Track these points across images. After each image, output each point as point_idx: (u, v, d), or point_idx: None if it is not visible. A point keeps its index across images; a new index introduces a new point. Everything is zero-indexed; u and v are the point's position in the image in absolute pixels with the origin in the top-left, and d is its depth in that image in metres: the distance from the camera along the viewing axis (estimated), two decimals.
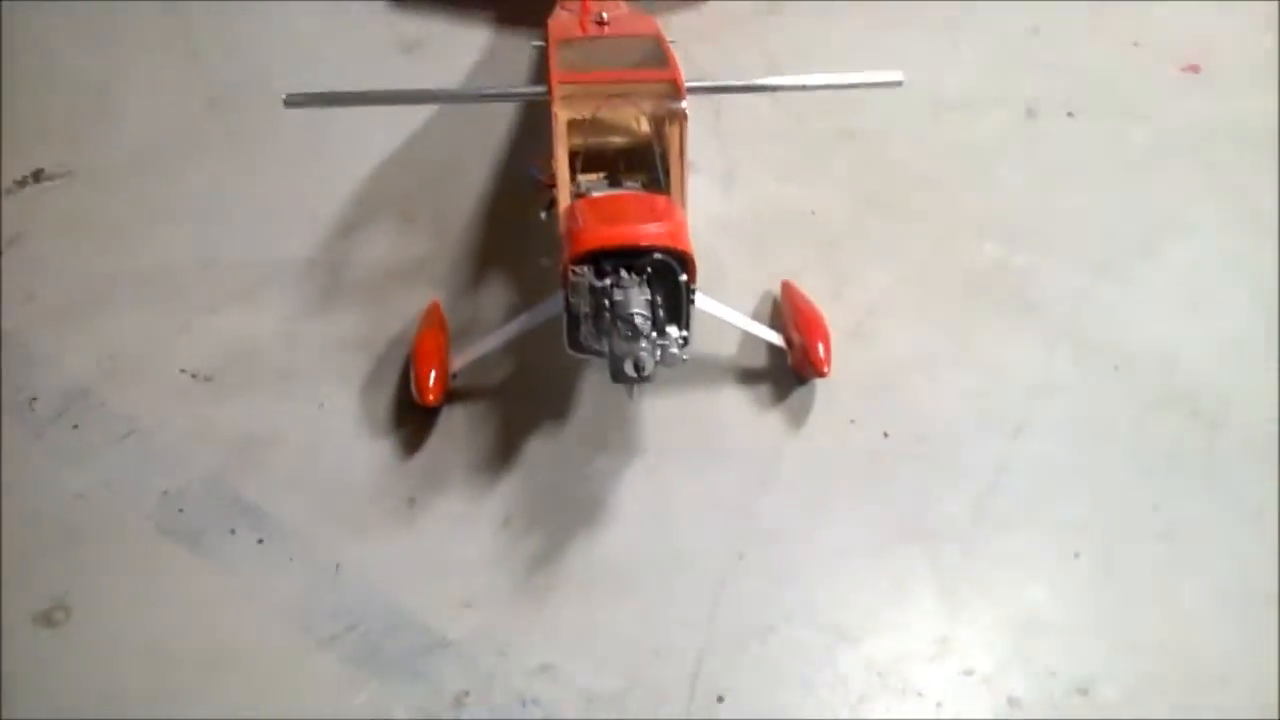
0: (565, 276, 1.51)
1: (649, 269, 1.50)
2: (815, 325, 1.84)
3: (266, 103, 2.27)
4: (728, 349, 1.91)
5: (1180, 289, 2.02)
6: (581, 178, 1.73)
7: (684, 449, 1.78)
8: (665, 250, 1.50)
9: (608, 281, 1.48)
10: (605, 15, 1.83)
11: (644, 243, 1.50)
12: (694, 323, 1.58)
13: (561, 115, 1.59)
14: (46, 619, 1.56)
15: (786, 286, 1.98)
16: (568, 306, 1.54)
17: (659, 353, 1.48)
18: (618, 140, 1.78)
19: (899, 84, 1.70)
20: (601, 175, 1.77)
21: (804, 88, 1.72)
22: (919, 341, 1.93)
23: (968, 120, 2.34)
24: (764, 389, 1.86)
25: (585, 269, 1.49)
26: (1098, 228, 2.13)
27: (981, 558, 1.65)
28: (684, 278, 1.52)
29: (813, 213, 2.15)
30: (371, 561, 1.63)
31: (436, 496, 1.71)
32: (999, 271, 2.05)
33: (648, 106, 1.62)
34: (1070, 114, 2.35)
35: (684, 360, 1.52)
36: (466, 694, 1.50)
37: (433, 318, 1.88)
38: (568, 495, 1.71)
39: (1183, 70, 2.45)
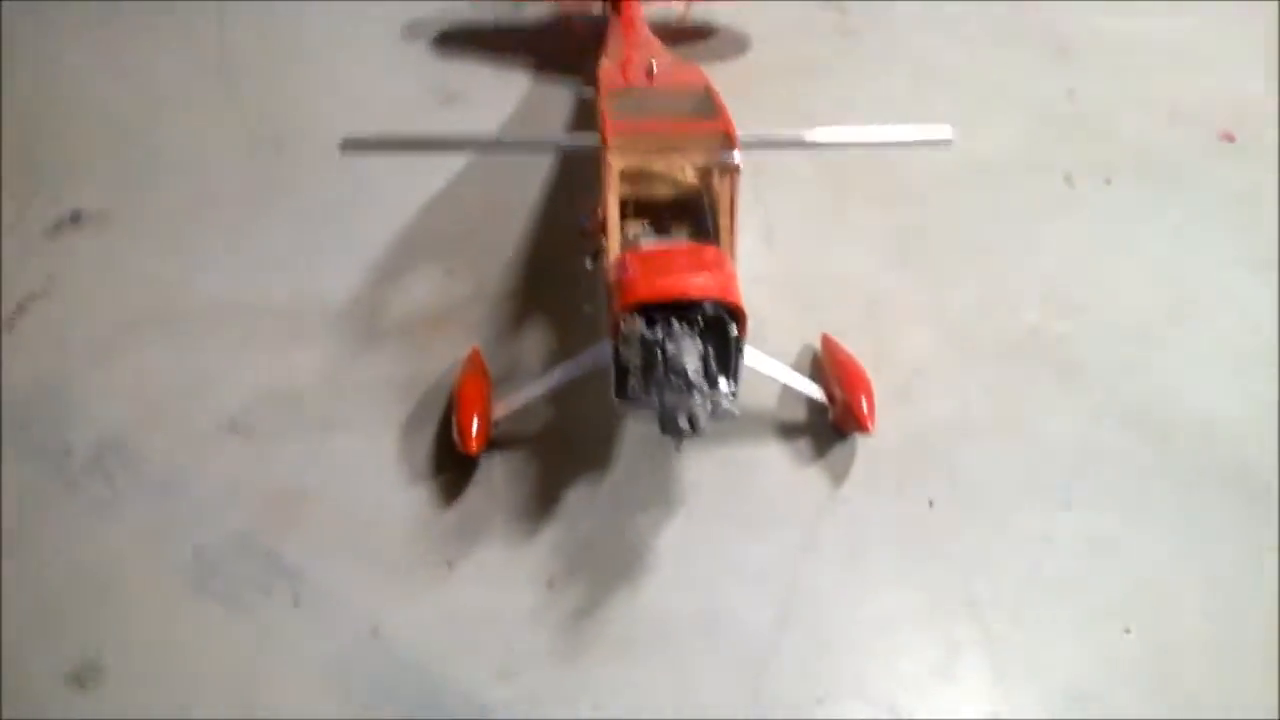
0: (615, 327, 1.50)
1: (700, 321, 1.49)
2: (858, 380, 1.83)
3: (308, 149, 2.33)
4: (767, 402, 1.89)
5: (1221, 357, 2.01)
6: (628, 226, 1.74)
7: (723, 505, 1.76)
8: (717, 302, 1.49)
9: (659, 333, 1.47)
10: (655, 65, 1.83)
11: (696, 295, 1.48)
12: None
13: (615, 164, 1.58)
14: (78, 680, 1.53)
15: (827, 341, 1.96)
16: (617, 357, 1.53)
17: (710, 406, 1.47)
18: (664, 191, 1.78)
19: (949, 142, 1.70)
20: (647, 223, 1.77)
21: (855, 144, 1.71)
22: (962, 406, 1.91)
23: (1006, 185, 2.34)
24: (803, 445, 1.84)
25: (637, 319, 1.48)
26: (1137, 295, 2.12)
27: (1030, 630, 1.62)
28: (734, 331, 1.51)
29: (855, 274, 2.14)
30: (410, 625, 1.60)
31: (475, 553, 1.68)
32: (1039, 337, 2.03)
33: (699, 158, 1.61)
34: (1108, 181, 2.35)
35: (735, 415, 1.50)
36: None
37: (474, 365, 1.87)
38: (606, 551, 1.69)
39: (1219, 138, 2.46)
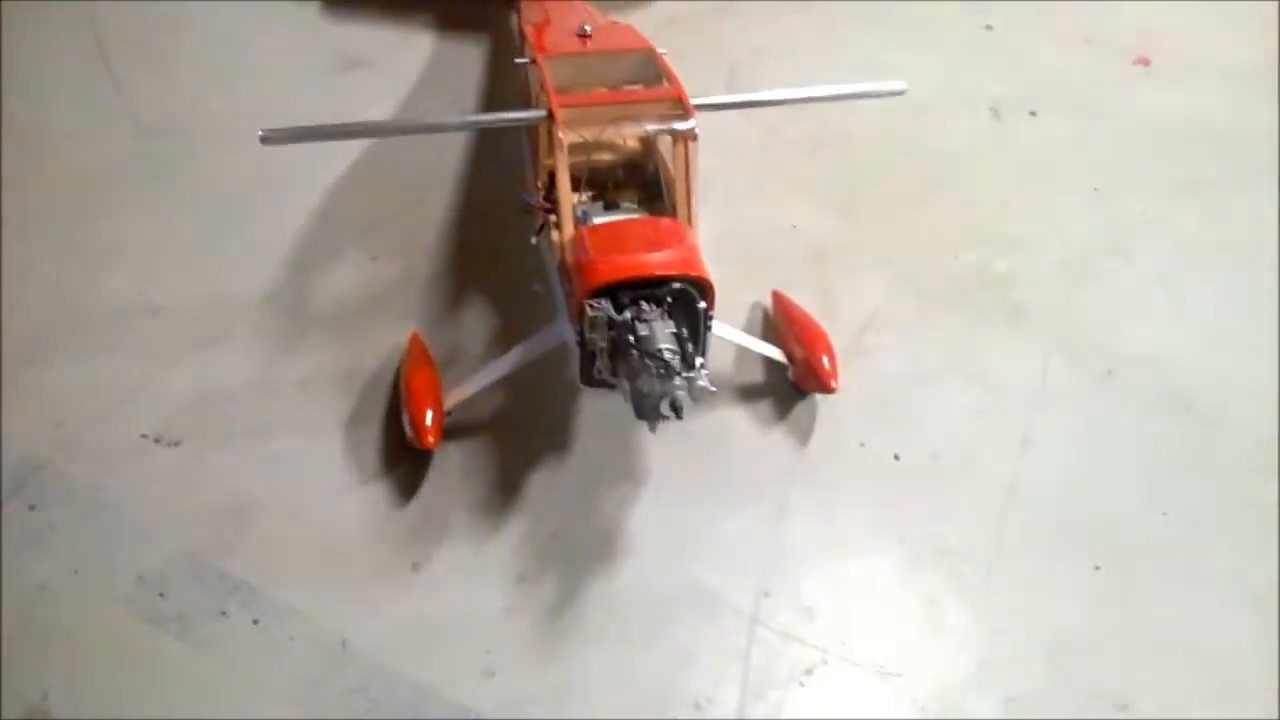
0: (580, 311, 1.43)
1: (669, 298, 1.43)
2: (817, 337, 1.80)
3: (203, 133, 2.16)
4: (723, 367, 1.84)
5: (1160, 287, 2.04)
6: (574, 198, 1.66)
7: (690, 478, 1.72)
8: (684, 278, 1.43)
9: (628, 315, 1.40)
10: (589, 27, 1.73)
11: (664, 272, 1.42)
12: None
13: (566, 139, 1.50)
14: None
15: (778, 297, 1.93)
16: (582, 341, 1.46)
17: (683, 389, 1.41)
18: (606, 157, 1.70)
19: (903, 92, 1.66)
20: (591, 195, 1.69)
21: (808, 99, 1.66)
22: (916, 354, 1.90)
23: (934, 123, 2.32)
24: (765, 407, 1.81)
25: (603, 303, 1.41)
26: (1072, 229, 2.14)
27: (1006, 576, 1.62)
28: (703, 305, 1.46)
29: (793, 226, 2.10)
30: (380, 633, 1.52)
31: (440, 552, 1.61)
32: (983, 278, 2.04)
33: (652, 125, 1.54)
34: (1033, 113, 2.36)
35: (712, 391, 1.45)
36: None
37: (417, 352, 1.77)
38: (576, 538, 1.63)
39: (1134, 63, 2.48)
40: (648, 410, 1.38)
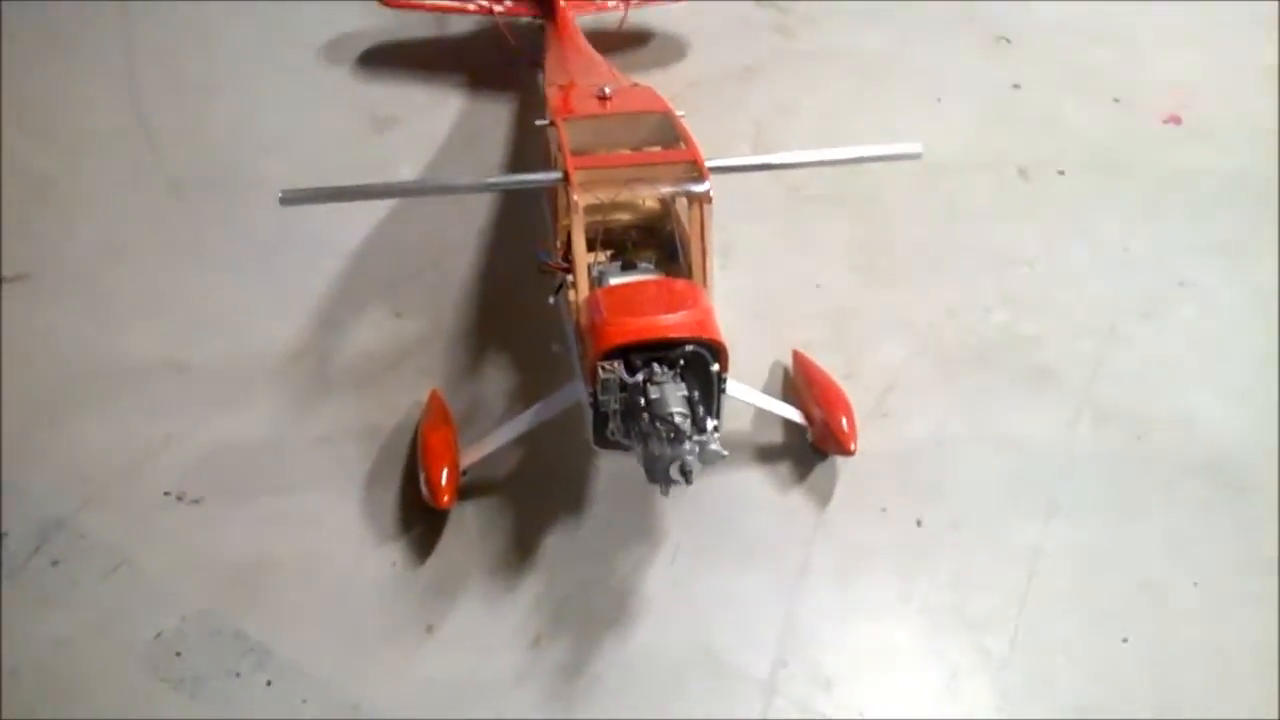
0: (593, 373, 1.43)
1: (681, 360, 1.42)
2: (837, 399, 1.78)
3: (233, 191, 2.20)
4: (741, 426, 1.83)
5: (1192, 350, 2.00)
6: (591, 258, 1.66)
7: (708, 539, 1.70)
8: (697, 341, 1.43)
9: (640, 377, 1.40)
10: (609, 89, 1.75)
11: (675, 336, 1.42)
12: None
13: (581, 202, 1.51)
14: None
15: (799, 358, 1.91)
16: (595, 404, 1.45)
17: (698, 451, 1.40)
18: (624, 218, 1.71)
19: (918, 156, 1.66)
20: (610, 255, 1.70)
21: (823, 163, 1.66)
22: (940, 418, 1.88)
23: (961, 184, 2.30)
24: (784, 469, 1.79)
25: (615, 365, 1.41)
26: (1102, 291, 2.11)
27: (1030, 648, 1.58)
28: (716, 367, 1.45)
29: (817, 286, 2.10)
30: (393, 697, 1.51)
31: (455, 614, 1.60)
32: (1009, 339, 2.01)
33: (667, 188, 1.54)
34: (1061, 172, 2.34)
35: (724, 455, 1.43)
36: None
37: (436, 410, 1.78)
38: (592, 600, 1.62)
39: (1164, 123, 2.46)
40: (659, 473, 1.37)
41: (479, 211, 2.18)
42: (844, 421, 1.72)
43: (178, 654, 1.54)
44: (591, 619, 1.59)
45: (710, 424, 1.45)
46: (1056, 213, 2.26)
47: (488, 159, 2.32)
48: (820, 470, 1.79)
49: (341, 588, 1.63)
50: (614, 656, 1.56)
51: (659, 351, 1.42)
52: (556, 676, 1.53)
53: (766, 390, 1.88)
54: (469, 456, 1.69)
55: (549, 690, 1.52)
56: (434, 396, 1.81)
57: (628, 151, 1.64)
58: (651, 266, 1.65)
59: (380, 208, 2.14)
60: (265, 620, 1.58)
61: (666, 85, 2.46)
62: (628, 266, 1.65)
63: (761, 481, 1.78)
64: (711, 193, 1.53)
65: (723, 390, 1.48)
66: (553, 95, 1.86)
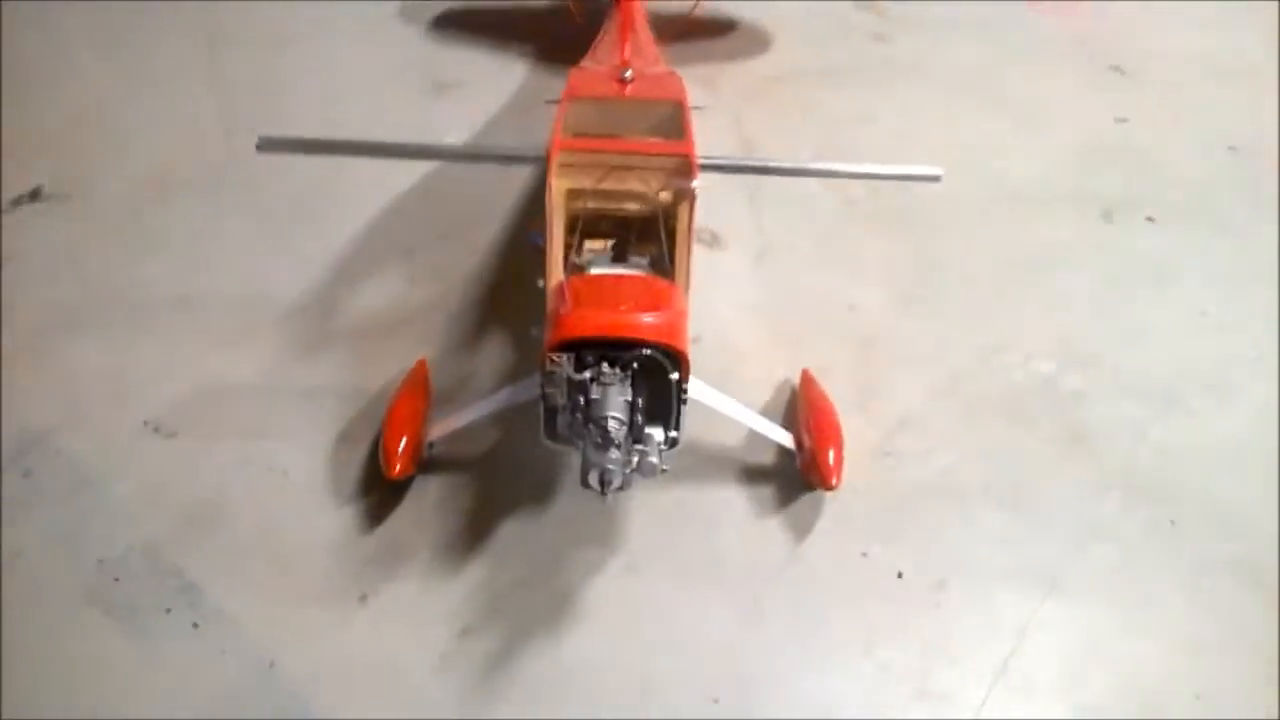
0: (542, 364, 1.35)
1: (635, 364, 1.34)
2: (828, 428, 1.65)
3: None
4: (732, 439, 1.72)
5: (1251, 434, 1.78)
6: (588, 245, 1.59)
7: (667, 555, 1.60)
8: (654, 346, 1.34)
9: (588, 375, 1.32)
10: (629, 73, 1.66)
11: (633, 335, 1.33)
12: (694, 413, 1.42)
13: (557, 184, 1.43)
14: None
15: (806, 379, 1.79)
16: (544, 396, 1.38)
17: (636, 461, 1.33)
18: (631, 208, 1.62)
19: (936, 179, 1.52)
20: (608, 245, 1.62)
21: (831, 173, 1.53)
22: (951, 465, 1.72)
23: (1037, 216, 2.13)
24: (766, 493, 1.67)
25: (565, 358, 1.33)
26: (1166, 354, 1.90)
27: None
28: (675, 376, 1.36)
29: (850, 308, 1.96)
30: (310, 661, 1.47)
31: (391, 588, 1.55)
32: (1048, 394, 1.83)
33: (655, 181, 1.45)
34: (1150, 219, 2.12)
35: (663, 470, 1.35)
36: None
37: (415, 379, 1.74)
38: (532, 597, 1.54)
39: None
40: (585, 479, 1.29)
41: (514, 185, 2.13)
42: (831, 454, 1.59)
43: (116, 580, 1.54)
44: (526, 618, 1.51)
45: (659, 436, 1.37)
46: (1135, 261, 2.06)
47: (536, 133, 2.24)
48: (805, 501, 1.66)
49: (288, 543, 1.60)
50: (539, 661, 1.48)
51: (615, 351, 1.33)
52: (477, 670, 1.46)
53: (769, 408, 1.77)
54: (436, 429, 1.65)
55: (467, 683, 1.45)
56: (419, 366, 1.76)
57: (632, 139, 1.55)
58: (645, 262, 1.55)
59: (417, 172, 2.12)
60: (208, 562, 1.57)
61: (742, 79, 2.39)
62: (619, 259, 1.57)
63: (740, 503, 1.66)
64: (698, 190, 1.42)
65: (683, 401, 1.39)
66: (573, 74, 1.79)
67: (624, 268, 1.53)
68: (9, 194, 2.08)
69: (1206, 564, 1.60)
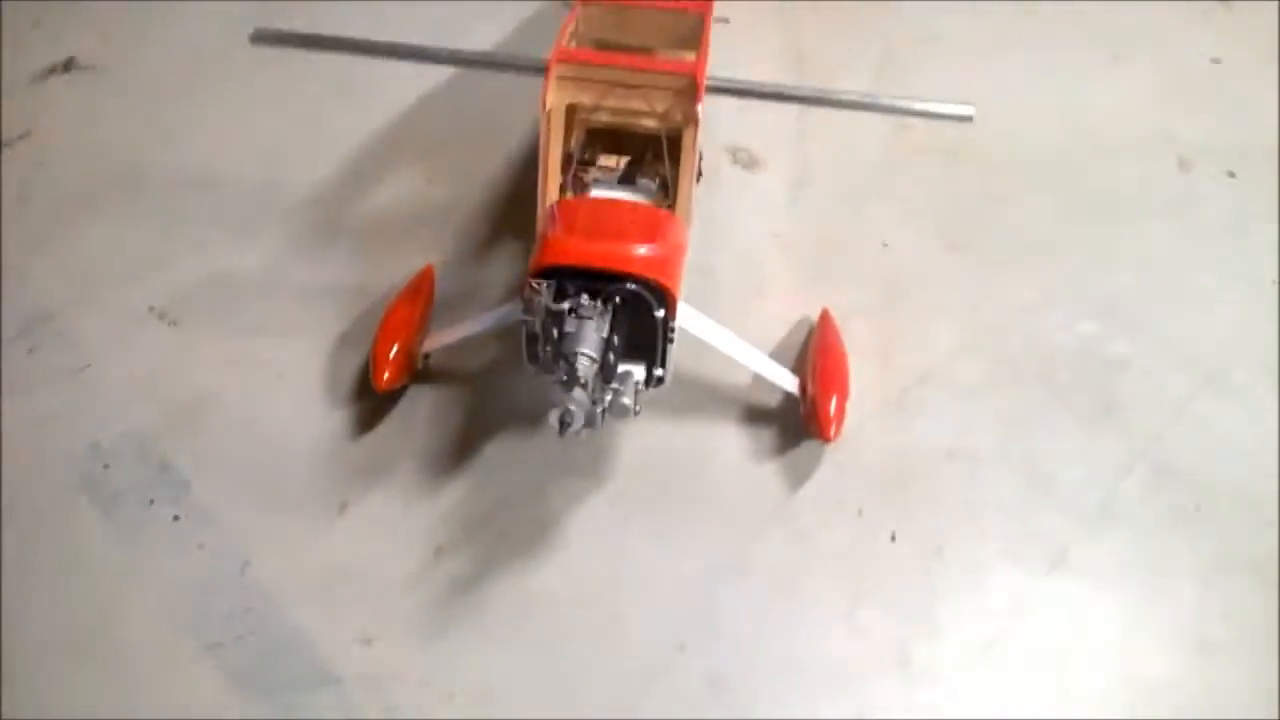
0: (523, 288, 1.29)
1: (618, 298, 1.27)
2: (834, 377, 1.57)
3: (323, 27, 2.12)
4: (738, 377, 1.63)
5: None
6: (602, 160, 1.51)
7: (654, 493, 1.55)
8: (638, 280, 1.26)
9: (566, 305, 1.25)
10: None
11: (617, 267, 1.26)
12: (699, 347, 1.39)
13: (552, 99, 1.34)
14: None
15: (824, 319, 1.70)
16: (525, 322, 1.32)
17: (607, 400, 1.27)
18: (648, 124, 1.51)
19: (968, 119, 1.38)
20: (621, 162, 1.53)
21: (852, 104, 1.40)
22: (966, 428, 1.62)
23: (1102, 159, 1.94)
24: (766, 438, 1.60)
25: (544, 285, 1.26)
26: (1225, 326, 1.74)
27: (963, 709, 1.37)
28: (661, 313, 1.29)
29: (884, 244, 1.84)
30: (282, 566, 1.47)
31: (371, 499, 1.53)
32: (1086, 358, 1.70)
33: (660, 102, 1.35)
34: (1232, 174, 1.93)
35: (636, 412, 1.30)
36: None
37: (416, 286, 1.69)
38: (510, 522, 1.51)
39: None
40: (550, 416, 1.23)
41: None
42: (832, 403, 1.51)
43: (105, 467, 1.56)
44: (502, 544, 1.49)
45: (639, 375, 1.31)
46: (1206, 221, 1.87)
47: None
48: (805, 450, 1.58)
49: (276, 444, 1.59)
50: (508, 589, 1.45)
51: (597, 282, 1.26)
52: (443, 591, 1.45)
53: (781, 347, 1.68)
54: (433, 341, 1.61)
55: (431, 603, 1.44)
56: (425, 272, 1.71)
57: (638, 54, 1.44)
58: (653, 186, 1.46)
59: (445, 70, 2.02)
60: (195, 456, 1.57)
61: None
62: (627, 180, 1.48)
63: (736, 444, 1.59)
64: (700, 115, 1.31)
65: (669, 340, 1.31)
66: None
67: (629, 191, 1.45)
68: (41, 64, 2.05)
69: (1227, 560, 1.49)
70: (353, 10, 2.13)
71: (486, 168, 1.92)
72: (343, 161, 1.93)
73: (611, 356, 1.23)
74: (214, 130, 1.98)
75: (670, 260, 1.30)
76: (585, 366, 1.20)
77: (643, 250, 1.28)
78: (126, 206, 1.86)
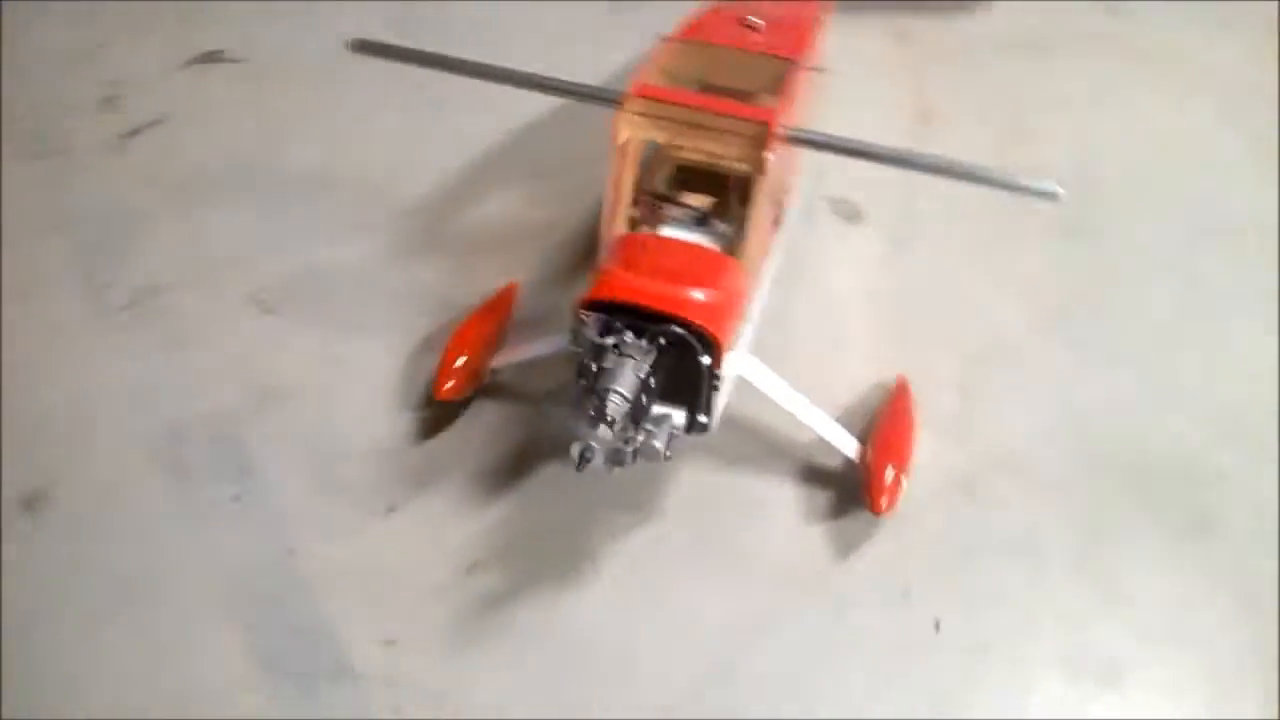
0: (574, 316, 1.29)
1: (663, 340, 1.25)
2: (895, 447, 1.51)
3: (458, 35, 2.19)
4: (804, 432, 1.57)
5: None
6: (688, 197, 1.50)
7: (696, 539, 1.52)
8: (684, 324, 1.24)
9: (611, 340, 1.24)
10: (758, 20, 1.51)
11: (664, 309, 1.24)
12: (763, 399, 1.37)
13: (623, 133, 1.34)
14: (29, 504, 1.56)
15: (900, 387, 1.63)
16: (574, 352, 1.31)
17: (639, 440, 1.25)
18: (741, 167, 1.48)
19: (1054, 198, 1.30)
20: (705, 202, 1.51)
21: (929, 168, 1.32)
22: (1036, 524, 1.53)
23: (1229, 260, 1.81)
24: (822, 498, 1.55)
25: (592, 317, 1.26)
26: None
27: None
28: (707, 360, 1.27)
29: (979, 316, 1.75)
30: (324, 558, 1.50)
31: (418, 506, 1.55)
32: (1184, 467, 1.58)
33: (733, 147, 1.33)
34: None
35: (666, 456, 1.28)
36: None
37: (496, 302, 1.72)
38: (555, 542, 1.51)
39: None
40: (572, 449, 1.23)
41: None
42: (888, 475, 1.45)
43: (182, 441, 1.63)
44: (535, 568, 1.48)
45: (679, 419, 1.30)
46: None
47: None
48: (860, 519, 1.51)
49: (341, 439, 1.63)
50: (533, 614, 1.44)
51: (644, 322, 1.25)
52: (471, 607, 1.45)
53: (851, 410, 1.63)
54: (501, 357, 1.63)
55: (457, 616, 1.44)
56: (508, 288, 1.74)
57: (717, 97, 1.41)
58: (729, 230, 1.44)
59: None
60: (264, 441, 1.63)
61: (941, 38, 2.17)
62: (702, 222, 1.46)
63: (791, 504, 1.55)
64: (769, 164, 1.28)
65: (714, 388, 1.29)
66: (699, 11, 1.65)
67: (702, 233, 1.42)
68: (191, 49, 2.19)
69: None
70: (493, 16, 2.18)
71: (586, 196, 1.92)
72: (454, 174, 1.98)
73: (644, 399, 1.21)
74: (339, 130, 2.07)
75: (723, 308, 1.27)
76: (615, 405, 1.18)
77: (696, 295, 1.26)
78: (244, 195, 1.96)
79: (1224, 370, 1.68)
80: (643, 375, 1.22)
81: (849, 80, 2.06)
